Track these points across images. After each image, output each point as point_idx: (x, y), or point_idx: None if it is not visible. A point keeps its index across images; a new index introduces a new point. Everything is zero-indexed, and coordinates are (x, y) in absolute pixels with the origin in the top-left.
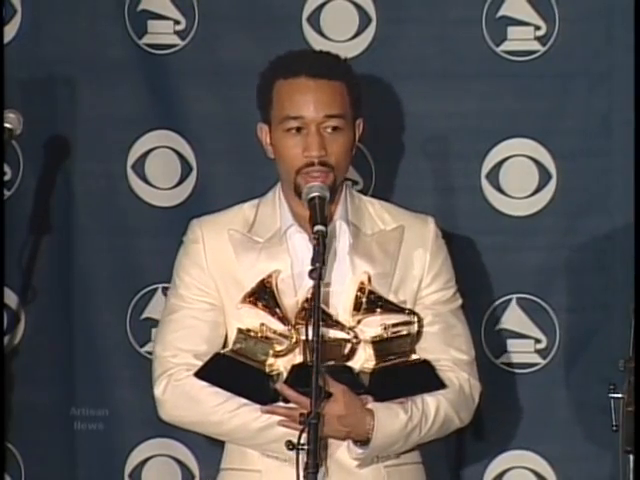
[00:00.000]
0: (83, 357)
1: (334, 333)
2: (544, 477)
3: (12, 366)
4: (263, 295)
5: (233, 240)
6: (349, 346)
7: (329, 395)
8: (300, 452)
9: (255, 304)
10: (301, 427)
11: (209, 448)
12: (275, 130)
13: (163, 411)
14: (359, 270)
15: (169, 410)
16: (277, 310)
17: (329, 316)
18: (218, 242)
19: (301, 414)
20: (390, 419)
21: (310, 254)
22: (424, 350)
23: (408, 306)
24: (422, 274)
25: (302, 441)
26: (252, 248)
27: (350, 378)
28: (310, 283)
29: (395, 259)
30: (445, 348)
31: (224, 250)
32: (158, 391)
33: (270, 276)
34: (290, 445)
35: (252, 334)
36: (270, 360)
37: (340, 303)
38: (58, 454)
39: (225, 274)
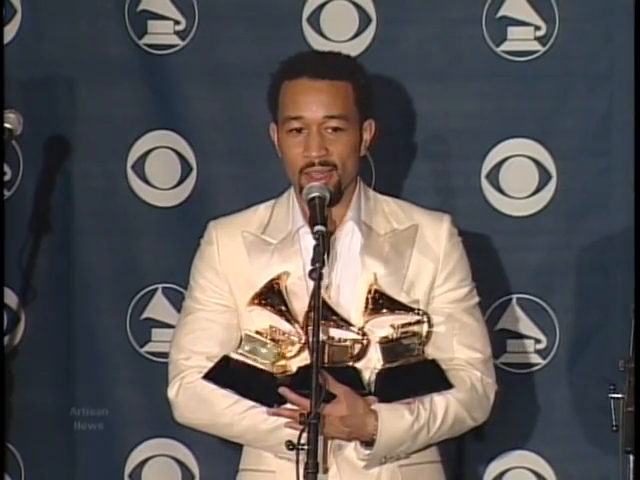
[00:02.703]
0: (83, 357)
1: (344, 334)
2: (544, 477)
3: (12, 366)
4: (271, 297)
5: (246, 242)
6: (359, 347)
7: (332, 396)
8: (296, 453)
9: (263, 305)
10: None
11: (209, 448)
12: (280, 131)
13: (177, 413)
14: (370, 271)
15: (182, 412)
16: (286, 312)
17: (339, 317)
18: (232, 244)
19: (301, 414)
20: (395, 420)
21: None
22: (437, 349)
23: (421, 305)
24: (435, 273)
25: (302, 441)
26: (265, 250)
27: (355, 378)
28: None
29: (408, 259)
30: (458, 347)
31: (238, 252)
32: (171, 394)
33: (279, 278)
34: (290, 445)
35: (261, 336)
36: (280, 362)
37: (351, 304)
38: (58, 454)
39: (238, 276)
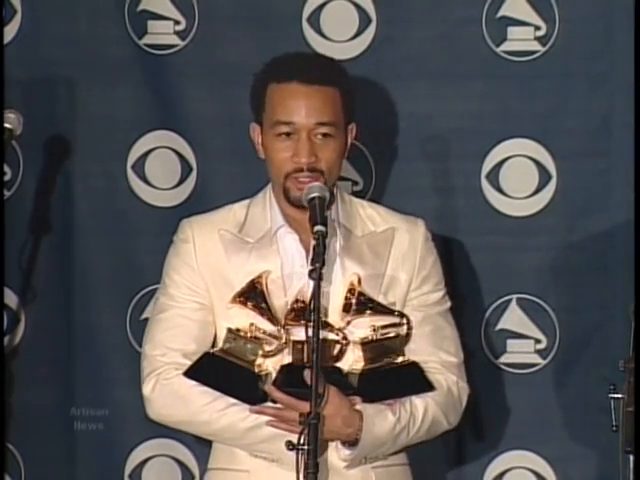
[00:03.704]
0: (83, 357)
1: (323, 334)
2: (544, 477)
3: (12, 366)
4: (253, 295)
5: (224, 240)
6: (338, 347)
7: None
8: (296, 453)
9: (245, 304)
10: (289, 428)
11: (209, 448)
12: (266, 133)
13: (151, 410)
14: (349, 272)
15: (157, 409)
16: (267, 310)
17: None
18: (209, 242)
19: (301, 414)
20: (378, 421)
21: (300, 255)
22: (413, 352)
23: (397, 308)
24: (412, 276)
25: (301, 441)
26: (242, 248)
27: (339, 379)
28: (300, 284)
29: (385, 261)
30: (434, 350)
31: (215, 250)
32: (147, 390)
33: (260, 276)
34: (290, 445)
35: (242, 334)
36: (259, 360)
37: (330, 304)
38: (58, 454)
39: (215, 274)
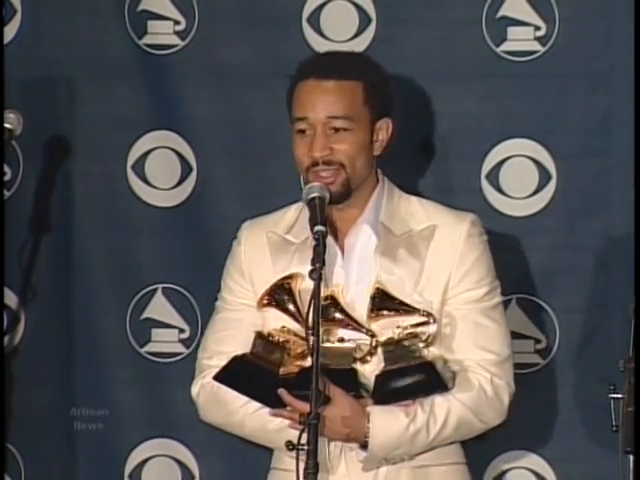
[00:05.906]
0: (83, 357)
1: (352, 334)
2: (544, 477)
3: (12, 366)
4: (282, 296)
5: (270, 243)
6: (367, 348)
7: (328, 398)
8: (296, 452)
9: (273, 305)
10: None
11: (209, 448)
12: (291, 132)
13: (199, 412)
14: (381, 271)
15: (202, 412)
16: (295, 312)
17: (350, 317)
18: (256, 245)
19: (301, 415)
20: (388, 422)
21: (337, 258)
22: (450, 350)
23: (435, 306)
24: (450, 273)
25: (302, 441)
26: (287, 250)
27: (353, 380)
28: (334, 285)
29: (422, 260)
30: (471, 348)
31: (262, 253)
32: (193, 393)
33: (291, 277)
34: (290, 445)
35: (271, 337)
36: (289, 363)
37: (362, 305)
38: (58, 454)
39: (261, 277)
